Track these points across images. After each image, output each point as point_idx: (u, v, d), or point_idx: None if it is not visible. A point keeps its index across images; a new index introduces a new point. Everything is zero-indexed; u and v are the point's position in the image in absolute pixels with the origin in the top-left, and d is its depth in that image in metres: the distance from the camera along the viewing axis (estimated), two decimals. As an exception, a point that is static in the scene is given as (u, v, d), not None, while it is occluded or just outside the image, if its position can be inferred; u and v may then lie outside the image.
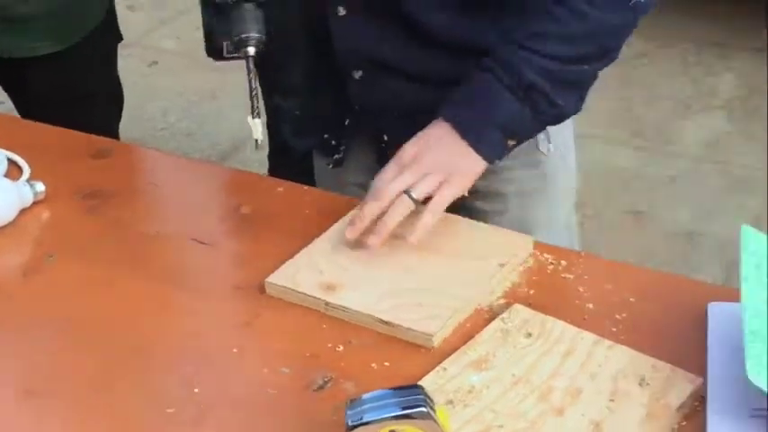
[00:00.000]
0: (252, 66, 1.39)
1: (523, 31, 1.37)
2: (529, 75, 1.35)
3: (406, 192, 1.34)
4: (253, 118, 1.38)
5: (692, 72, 3.70)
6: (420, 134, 1.38)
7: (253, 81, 1.39)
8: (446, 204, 1.36)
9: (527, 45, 1.36)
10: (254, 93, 1.39)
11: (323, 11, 1.47)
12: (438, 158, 1.35)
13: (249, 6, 1.39)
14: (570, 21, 1.36)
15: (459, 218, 1.44)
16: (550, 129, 1.59)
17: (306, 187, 1.55)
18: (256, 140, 1.39)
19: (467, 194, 1.59)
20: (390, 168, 1.37)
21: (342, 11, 1.46)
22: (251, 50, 1.39)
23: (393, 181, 1.35)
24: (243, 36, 1.39)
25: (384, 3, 1.44)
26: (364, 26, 1.46)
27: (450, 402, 1.15)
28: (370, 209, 1.35)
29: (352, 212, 1.44)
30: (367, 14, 1.45)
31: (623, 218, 3.02)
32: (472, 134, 1.37)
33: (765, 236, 1.26)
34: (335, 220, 1.44)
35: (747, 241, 1.23)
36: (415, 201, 1.34)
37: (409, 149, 1.37)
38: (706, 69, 3.71)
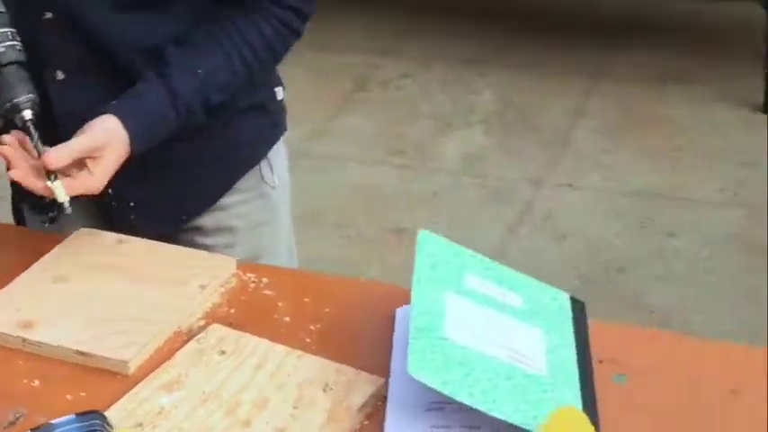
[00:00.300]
0: (34, 130, 1.33)
1: (205, 76, 1.43)
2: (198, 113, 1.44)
3: None
4: (52, 181, 1.32)
5: (451, 90, 3.83)
6: (112, 159, 1.37)
7: (39, 144, 1.32)
8: None
9: (205, 89, 1.43)
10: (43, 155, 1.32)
11: (39, 76, 1.41)
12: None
13: (11, 69, 1.34)
14: (243, 78, 1.47)
15: (161, 244, 1.46)
16: (272, 159, 1.63)
17: (13, 226, 1.55)
18: (62, 204, 1.33)
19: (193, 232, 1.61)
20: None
21: (60, 75, 1.44)
22: (27, 114, 1.33)
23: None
24: (15, 101, 1.33)
25: (101, 63, 1.43)
26: (83, 89, 1.44)
27: (140, 425, 1.17)
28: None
29: (54, 250, 1.45)
30: (85, 76, 1.44)
31: (386, 236, 3.09)
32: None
33: (442, 238, 1.33)
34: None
35: (423, 245, 1.30)
36: None
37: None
38: (465, 87, 3.84)
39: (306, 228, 2.77)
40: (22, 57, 1.35)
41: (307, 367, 1.24)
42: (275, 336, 1.31)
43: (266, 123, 1.62)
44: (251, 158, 1.61)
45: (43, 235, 1.51)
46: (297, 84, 2.31)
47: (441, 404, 1.16)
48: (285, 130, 1.68)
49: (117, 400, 1.21)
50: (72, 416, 1.09)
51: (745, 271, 2.86)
